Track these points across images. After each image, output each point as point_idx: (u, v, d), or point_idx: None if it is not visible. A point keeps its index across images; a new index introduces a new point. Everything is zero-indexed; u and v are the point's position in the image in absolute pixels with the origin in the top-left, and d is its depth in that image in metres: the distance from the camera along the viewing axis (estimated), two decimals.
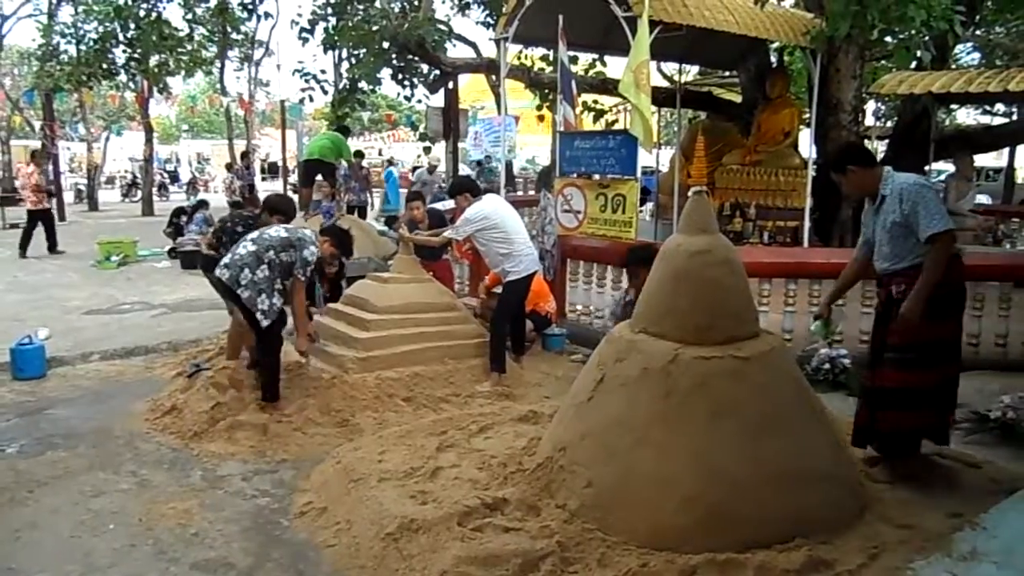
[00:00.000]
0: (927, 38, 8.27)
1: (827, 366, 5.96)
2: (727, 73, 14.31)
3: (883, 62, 13.64)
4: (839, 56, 9.93)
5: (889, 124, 15.77)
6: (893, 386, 3.92)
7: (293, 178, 21.52)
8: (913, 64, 10.48)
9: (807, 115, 11.38)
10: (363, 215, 14.25)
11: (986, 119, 19.11)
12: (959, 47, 15.08)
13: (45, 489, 4.24)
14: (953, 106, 16.22)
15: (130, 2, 17.99)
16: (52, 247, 13.18)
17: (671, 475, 3.27)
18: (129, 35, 18.53)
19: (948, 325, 3.97)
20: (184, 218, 13.40)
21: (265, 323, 5.08)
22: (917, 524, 3.47)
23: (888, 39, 8.83)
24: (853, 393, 5.71)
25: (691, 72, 16.60)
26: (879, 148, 16.33)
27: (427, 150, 16.11)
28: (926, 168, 12.97)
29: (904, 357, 3.90)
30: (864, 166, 4.07)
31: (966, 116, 21.60)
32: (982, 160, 16.86)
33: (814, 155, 10.54)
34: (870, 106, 13.28)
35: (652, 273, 3.76)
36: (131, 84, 21.59)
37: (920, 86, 10.03)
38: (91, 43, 18.98)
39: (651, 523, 3.26)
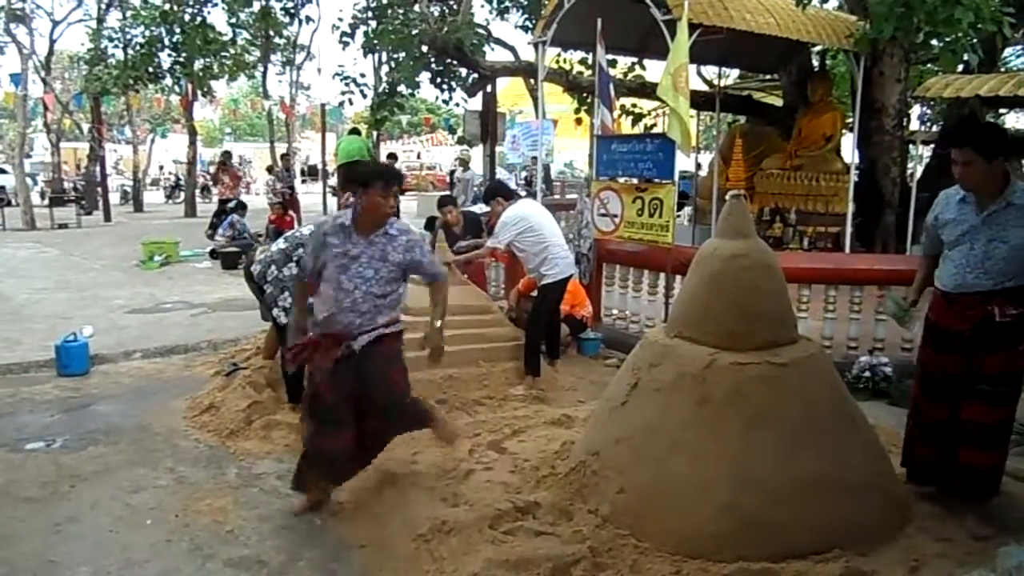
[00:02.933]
0: (975, 40, 8.09)
1: (868, 374, 5.85)
2: (767, 77, 14.14)
3: (929, 65, 13.36)
4: (883, 59, 9.77)
5: (935, 128, 15.43)
6: (989, 422, 3.54)
7: (332, 181, 21.74)
8: (960, 67, 10.26)
9: (850, 119, 11.20)
10: (396, 216, 14.34)
11: None
12: (1008, 49, 14.69)
13: (86, 484, 4.32)
14: (1002, 110, 15.81)
15: (176, 7, 18.36)
16: None
17: (705, 482, 3.23)
18: (174, 39, 18.92)
19: None
20: (223, 218, 13.61)
21: (284, 320, 5.08)
22: (959, 537, 3.38)
23: (934, 41, 8.65)
24: (895, 402, 5.62)
25: (731, 76, 16.43)
26: (924, 153, 15.99)
27: (463, 163, 16.15)
28: None
29: (998, 391, 3.52)
30: (1003, 158, 3.49)
31: (1015, 120, 21.07)
32: None
33: (856, 160, 10.37)
34: (915, 110, 12.98)
35: (688, 277, 3.72)
36: (176, 88, 22.04)
37: (967, 89, 9.78)
38: (138, 47, 19.43)
39: (684, 530, 3.22)
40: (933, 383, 3.71)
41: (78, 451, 4.78)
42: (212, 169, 19.61)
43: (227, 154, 17.27)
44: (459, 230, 7.74)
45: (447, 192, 11.78)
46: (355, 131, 12.84)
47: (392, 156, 16.08)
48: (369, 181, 3.68)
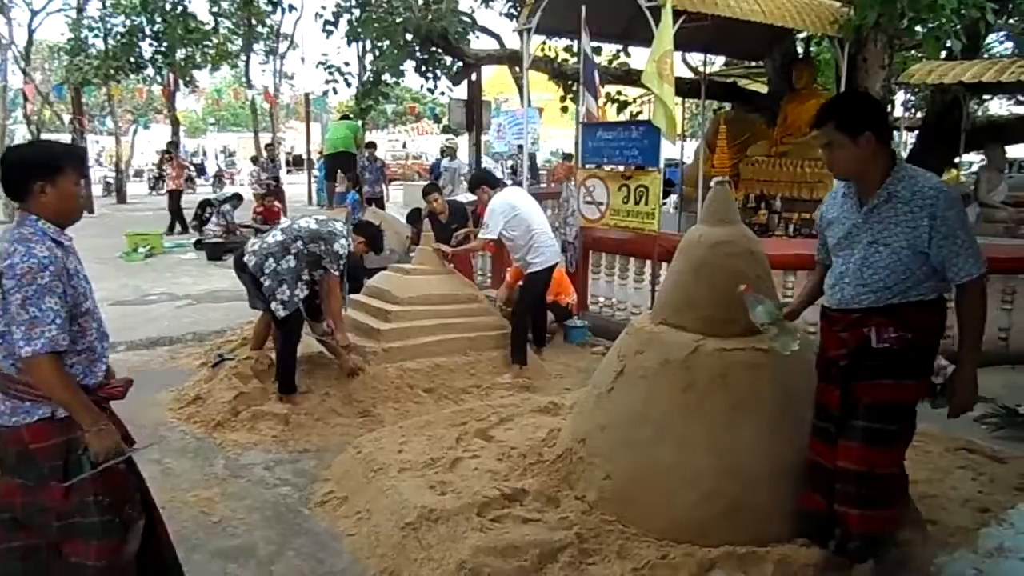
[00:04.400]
0: (958, 26, 8.11)
1: None
2: (753, 63, 14.16)
3: (912, 51, 13.42)
4: (867, 45, 9.78)
5: (919, 115, 15.52)
6: (859, 468, 2.83)
7: (315, 170, 21.66)
8: (944, 53, 10.29)
9: None
10: (380, 207, 14.31)
11: (1019, 109, 18.75)
12: (991, 36, 14.79)
13: None
14: (985, 96, 15.92)
15: None
16: None
17: (691, 467, 3.25)
18: (155, 29, 18.71)
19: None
20: (210, 210, 13.54)
21: (282, 313, 5.10)
22: (942, 520, 3.42)
23: (918, 28, 8.67)
24: None
25: (716, 63, 16.44)
26: (908, 139, 16.09)
27: (449, 152, 16.08)
28: (956, 160, 12.79)
29: (871, 428, 2.83)
30: (879, 139, 2.74)
31: (998, 107, 21.22)
32: (1014, 151, 16.56)
33: None
34: (899, 96, 13.06)
35: (673, 264, 3.73)
36: (158, 78, 21.82)
37: (951, 76, 9.85)
38: (118, 37, 19.21)
39: (670, 515, 3.24)
40: (817, 419, 3.08)
41: None
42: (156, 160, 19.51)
43: (173, 144, 17.26)
44: (445, 218, 7.74)
45: (433, 182, 11.76)
46: (346, 116, 12.76)
47: (371, 145, 15.99)
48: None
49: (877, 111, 2.88)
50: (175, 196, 15.77)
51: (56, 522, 2.47)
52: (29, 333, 2.31)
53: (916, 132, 13.68)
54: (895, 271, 2.74)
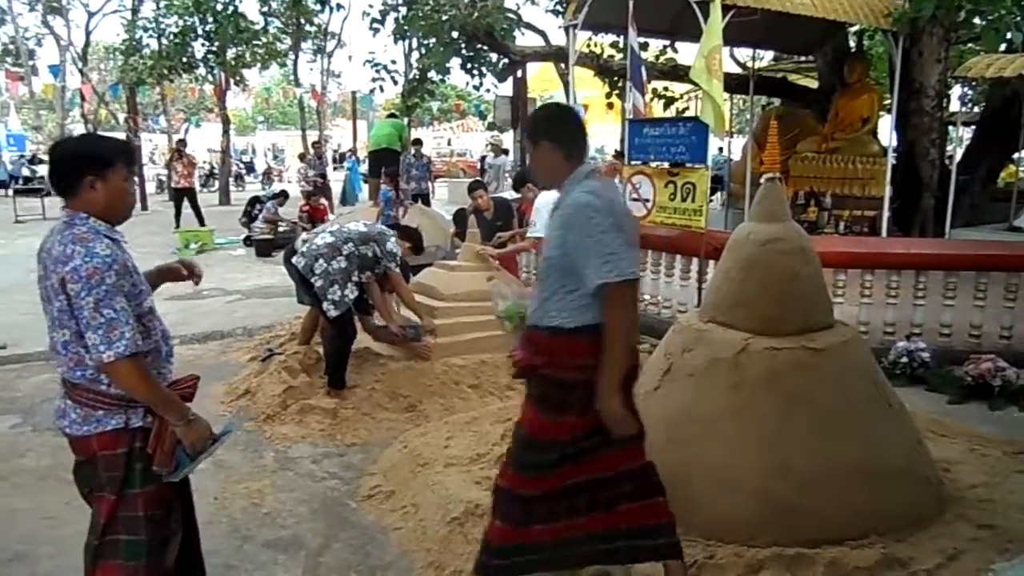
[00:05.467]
0: (1018, 18, 7.88)
1: (905, 359, 5.77)
2: (803, 58, 13.92)
3: (970, 45, 13.07)
4: (923, 39, 9.57)
5: (976, 110, 15.09)
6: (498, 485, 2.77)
7: (363, 167, 21.86)
8: (1003, 46, 10.01)
9: (887, 100, 11.01)
10: (426, 204, 14.39)
11: None
12: None
13: None
14: None
15: None
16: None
17: (739, 467, 3.21)
18: (207, 29, 19.13)
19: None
20: (259, 207, 13.77)
21: (334, 313, 5.18)
22: (1000, 525, 3.33)
23: (976, 20, 8.45)
24: (932, 388, 5.56)
25: (765, 58, 16.20)
26: (965, 135, 15.67)
27: (495, 148, 16.11)
28: (1014, 156, 12.42)
29: (511, 451, 2.77)
30: (560, 149, 2.63)
31: None
32: None
33: (894, 142, 10.19)
34: (955, 91, 12.71)
35: (721, 261, 3.68)
36: (209, 77, 22.28)
37: (1010, 69, 9.55)
38: (172, 37, 19.67)
39: (718, 515, 3.21)
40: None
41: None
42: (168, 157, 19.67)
43: (182, 142, 17.39)
44: (490, 215, 7.75)
45: (478, 178, 11.79)
46: (393, 115, 12.83)
47: (417, 142, 16.09)
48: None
49: (559, 121, 2.73)
50: (183, 194, 15.63)
51: (97, 540, 2.41)
52: (109, 336, 2.20)
53: (973, 127, 13.32)
54: (549, 286, 2.60)
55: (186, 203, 15.40)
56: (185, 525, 2.65)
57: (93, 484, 2.43)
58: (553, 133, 2.66)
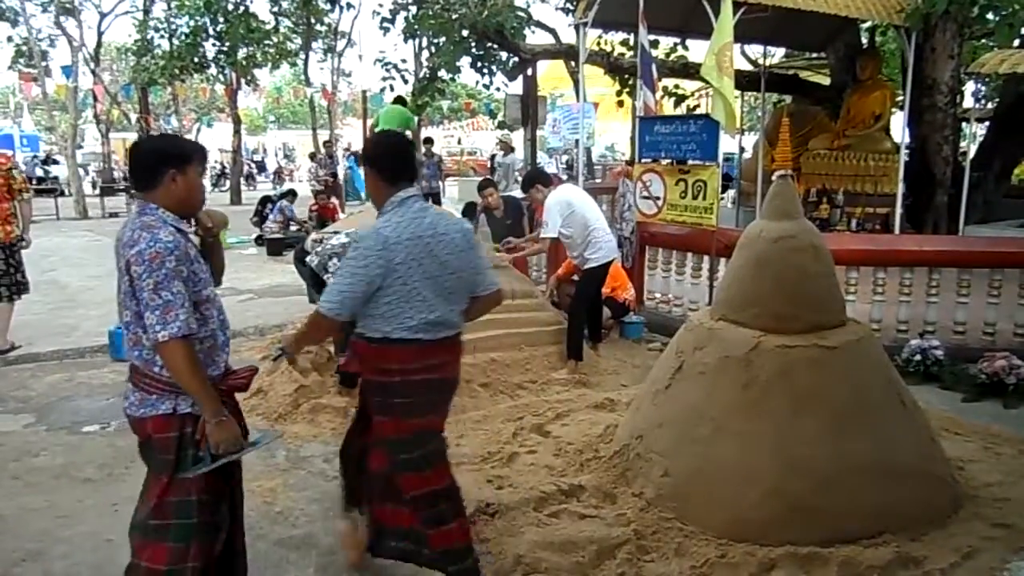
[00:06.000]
0: None
1: (918, 357, 5.73)
2: (814, 55, 13.85)
3: (983, 40, 12.97)
4: (936, 34, 9.50)
5: (990, 106, 14.98)
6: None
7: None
8: (1017, 42, 9.93)
9: (900, 97, 10.94)
10: (437, 203, 14.40)
11: None
12: None
13: (141, 465, 4.40)
14: None
15: None
16: None
17: (751, 466, 3.20)
18: (218, 29, 19.19)
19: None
20: (270, 206, 13.81)
21: None
22: (1016, 523, 3.30)
23: (990, 15, 8.38)
24: (946, 386, 5.52)
25: (776, 55, 16.13)
26: (978, 131, 15.55)
27: (504, 147, 16.07)
28: None
29: None
30: (374, 168, 2.89)
31: None
32: None
33: (907, 139, 10.13)
34: (969, 87, 12.62)
35: (733, 259, 3.67)
36: (220, 77, 22.34)
37: None
38: (183, 37, 19.76)
39: (730, 514, 3.20)
40: None
41: (133, 434, 4.89)
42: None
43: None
44: (500, 214, 7.75)
45: (488, 177, 11.76)
46: (399, 100, 12.56)
47: (429, 141, 16.09)
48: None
49: (380, 148, 2.99)
50: None
51: (150, 519, 2.54)
52: (164, 317, 2.32)
53: (987, 124, 13.22)
54: None
55: None
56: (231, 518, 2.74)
57: (153, 467, 2.57)
58: (373, 159, 2.92)
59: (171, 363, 2.38)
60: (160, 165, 2.47)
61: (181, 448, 2.49)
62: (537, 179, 6.57)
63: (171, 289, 2.34)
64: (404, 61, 14.34)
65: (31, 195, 6.82)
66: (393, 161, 2.87)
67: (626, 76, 12.92)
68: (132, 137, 21.52)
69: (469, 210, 10.37)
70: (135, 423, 2.56)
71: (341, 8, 20.36)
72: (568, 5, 14.64)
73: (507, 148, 15.72)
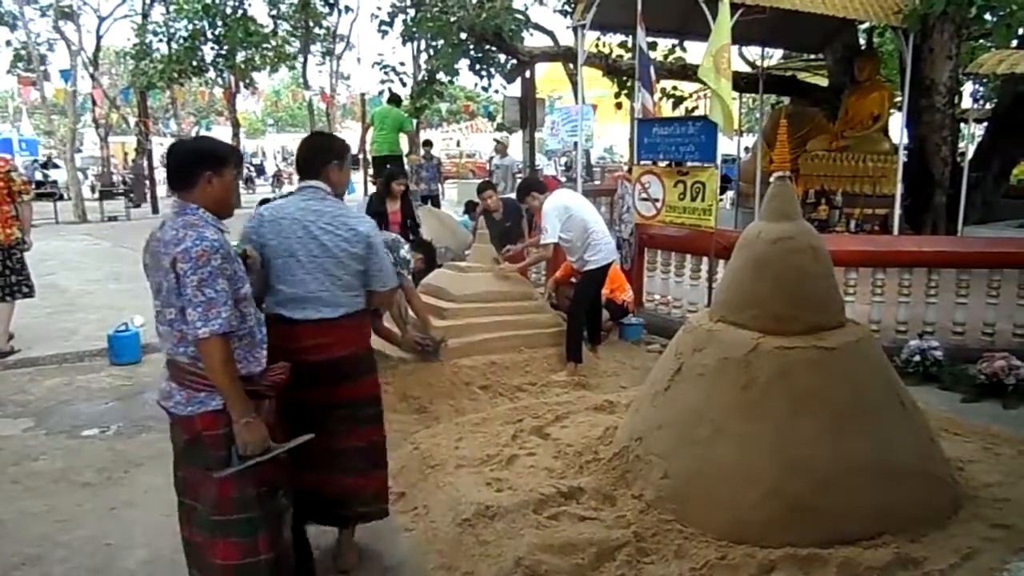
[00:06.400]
0: None
1: (917, 358, 5.74)
2: (812, 56, 13.87)
3: (981, 40, 12.99)
4: (933, 35, 9.51)
5: (988, 106, 15.00)
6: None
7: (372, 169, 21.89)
8: (1015, 42, 9.94)
9: (898, 98, 10.95)
10: (436, 205, 14.39)
11: None
12: None
13: (140, 469, 4.43)
14: None
15: (217, 0, 18.61)
16: None
17: (751, 467, 3.20)
18: (217, 32, 19.21)
19: None
20: None
21: None
22: (1016, 524, 3.30)
23: (987, 16, 8.39)
24: (946, 386, 5.53)
25: (774, 56, 16.14)
26: (976, 132, 15.56)
27: (501, 149, 16.07)
28: None
29: None
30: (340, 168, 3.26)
31: None
32: None
33: (906, 140, 10.14)
34: (967, 87, 12.65)
35: (731, 261, 3.67)
36: (219, 80, 22.38)
37: (1022, 65, 9.49)
38: (181, 41, 19.79)
39: (730, 515, 3.19)
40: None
41: (132, 438, 4.91)
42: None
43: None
44: (499, 216, 7.75)
45: (487, 179, 11.73)
46: (394, 99, 12.26)
47: (428, 144, 16.09)
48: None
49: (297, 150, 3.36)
50: None
51: (214, 515, 2.58)
52: (207, 314, 2.39)
53: (985, 124, 13.24)
54: None
55: None
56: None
57: (205, 464, 2.56)
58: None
59: (208, 359, 2.43)
60: (196, 166, 2.54)
61: (230, 443, 2.53)
62: (532, 187, 6.58)
63: (215, 287, 2.41)
64: (402, 64, 14.36)
65: (32, 197, 6.82)
66: (298, 159, 3.27)
67: (624, 78, 12.93)
68: (131, 141, 21.56)
69: (470, 207, 10.39)
70: (182, 422, 2.58)
71: (339, 11, 20.45)
72: (566, 7, 14.66)
73: (502, 150, 15.73)
